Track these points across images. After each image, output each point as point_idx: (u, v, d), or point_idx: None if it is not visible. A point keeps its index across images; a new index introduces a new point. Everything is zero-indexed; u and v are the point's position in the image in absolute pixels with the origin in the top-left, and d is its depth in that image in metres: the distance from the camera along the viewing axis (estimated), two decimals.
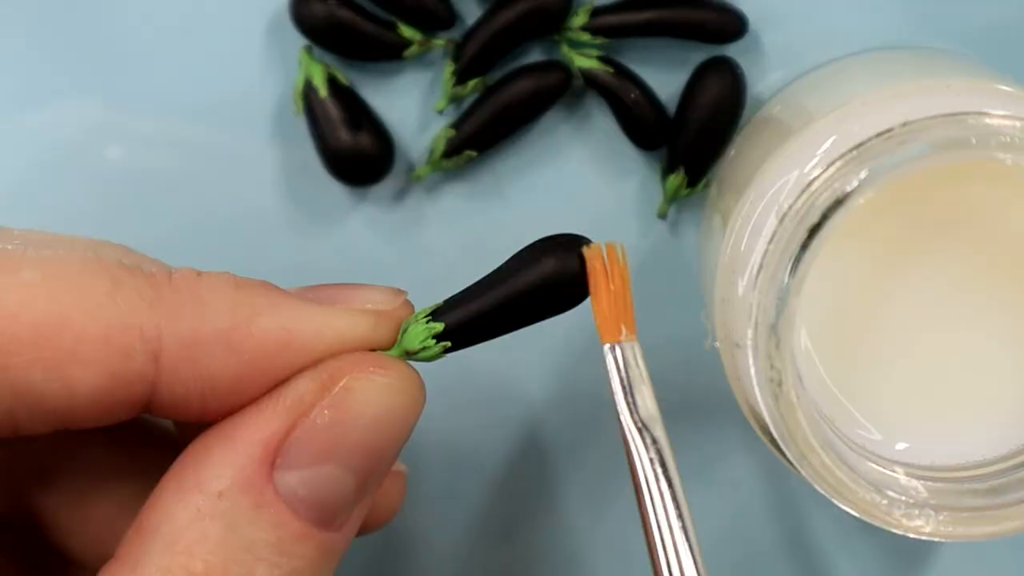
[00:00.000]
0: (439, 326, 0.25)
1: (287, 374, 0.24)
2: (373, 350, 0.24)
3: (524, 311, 0.25)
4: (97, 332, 0.22)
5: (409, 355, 0.25)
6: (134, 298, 0.23)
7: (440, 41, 0.33)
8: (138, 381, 0.23)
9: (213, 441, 0.23)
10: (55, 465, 0.27)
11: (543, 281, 0.25)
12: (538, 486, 0.36)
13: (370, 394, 0.24)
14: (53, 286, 0.22)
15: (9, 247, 0.23)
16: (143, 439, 0.28)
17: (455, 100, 0.34)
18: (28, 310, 0.22)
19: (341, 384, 0.23)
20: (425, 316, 0.25)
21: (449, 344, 0.25)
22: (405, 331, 0.25)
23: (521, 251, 0.25)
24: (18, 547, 0.27)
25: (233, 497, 0.23)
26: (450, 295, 0.25)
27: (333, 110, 0.33)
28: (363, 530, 0.25)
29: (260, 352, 0.23)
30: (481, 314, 0.25)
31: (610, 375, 0.25)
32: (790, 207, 0.26)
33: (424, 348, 0.25)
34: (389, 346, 0.25)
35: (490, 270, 0.25)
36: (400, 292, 0.25)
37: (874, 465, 0.28)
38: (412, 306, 0.25)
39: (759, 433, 0.28)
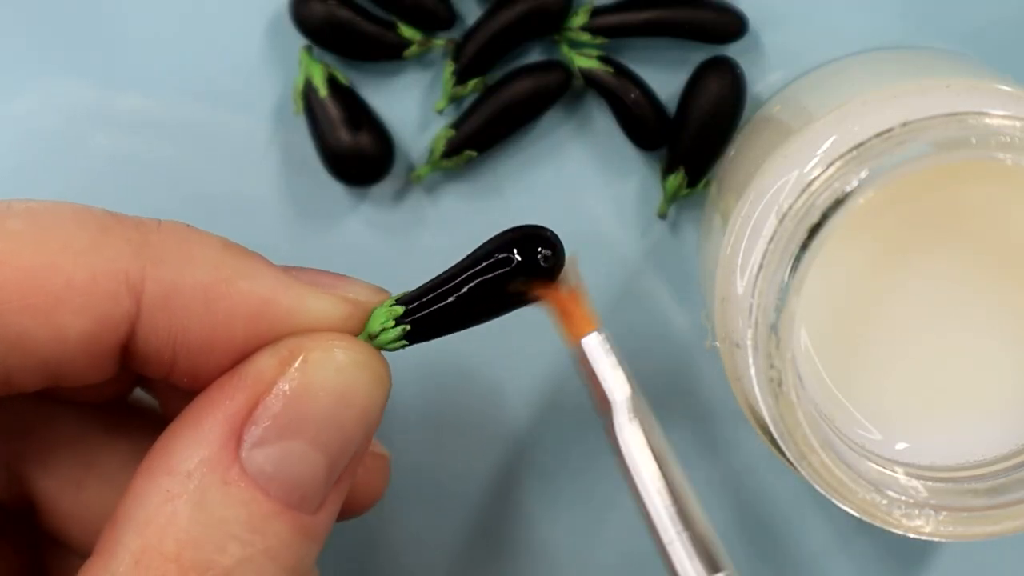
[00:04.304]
0: (399, 309, 0.25)
1: (257, 343, 0.24)
2: None
3: (484, 304, 0.25)
4: (85, 277, 0.23)
5: (372, 338, 0.25)
6: (120, 243, 0.23)
7: (440, 41, 0.33)
8: (123, 323, 0.23)
9: (178, 426, 0.24)
10: (53, 451, 0.27)
11: (502, 275, 0.25)
12: (529, 490, 0.35)
13: (330, 368, 0.24)
14: (40, 233, 0.23)
15: None
16: (138, 428, 0.28)
17: (455, 100, 0.34)
18: (16, 257, 0.22)
19: (300, 358, 0.23)
20: (390, 303, 0.25)
21: (408, 328, 0.25)
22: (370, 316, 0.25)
23: (487, 241, 0.25)
24: (16, 535, 0.28)
25: (201, 476, 0.23)
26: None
27: (333, 110, 0.33)
28: (346, 514, 0.25)
29: (234, 314, 0.24)
30: (441, 302, 0.25)
31: (600, 363, 0.24)
32: (790, 207, 0.26)
33: (384, 330, 0.25)
34: (357, 334, 0.25)
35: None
36: (383, 291, 0.25)
37: (874, 465, 0.28)
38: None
39: (759, 433, 0.28)
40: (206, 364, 0.24)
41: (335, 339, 0.24)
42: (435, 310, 0.25)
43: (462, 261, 0.25)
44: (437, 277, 0.25)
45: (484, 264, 0.25)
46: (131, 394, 0.28)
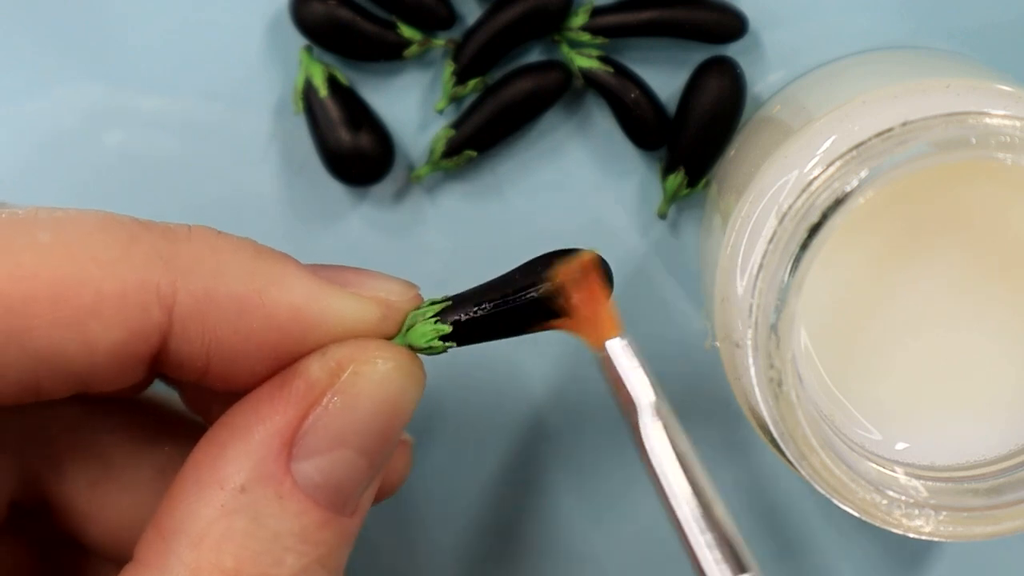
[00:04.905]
0: (446, 328, 0.25)
1: (291, 347, 0.24)
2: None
3: (529, 321, 0.25)
4: (115, 289, 0.22)
5: (412, 348, 0.25)
6: (151, 253, 0.23)
7: (440, 41, 0.33)
8: (155, 334, 0.23)
9: (226, 436, 0.24)
10: (70, 452, 0.27)
11: (551, 294, 0.25)
12: (540, 483, 0.35)
13: (377, 378, 0.24)
14: (69, 245, 0.22)
15: (20, 212, 0.23)
16: (155, 425, 0.28)
17: (455, 100, 0.34)
18: (46, 270, 0.22)
19: (349, 370, 0.24)
20: (432, 315, 0.25)
21: (454, 344, 0.25)
22: (411, 327, 0.25)
23: (532, 261, 0.25)
24: (34, 536, 0.28)
25: (255, 490, 0.23)
26: (456, 292, 0.25)
27: (333, 110, 0.33)
28: (372, 501, 0.26)
29: (267, 324, 0.24)
30: (487, 322, 0.25)
31: (624, 367, 0.24)
32: (790, 207, 0.26)
33: (430, 348, 0.25)
34: (393, 335, 0.25)
35: (491, 270, 0.25)
36: (412, 286, 0.26)
37: (874, 465, 0.28)
38: (422, 300, 0.26)
39: (759, 433, 0.28)
40: (240, 370, 0.24)
41: (381, 349, 0.24)
42: (481, 329, 0.25)
43: (507, 279, 0.25)
44: (481, 290, 0.25)
45: (531, 286, 0.25)
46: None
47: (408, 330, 0.25)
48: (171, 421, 0.28)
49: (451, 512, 0.36)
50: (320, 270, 0.25)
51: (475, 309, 0.25)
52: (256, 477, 0.23)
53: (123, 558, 0.27)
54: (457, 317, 0.25)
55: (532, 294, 0.25)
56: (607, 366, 0.25)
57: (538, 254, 0.25)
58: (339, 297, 0.24)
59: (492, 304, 0.25)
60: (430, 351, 0.25)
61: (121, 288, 0.22)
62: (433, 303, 0.25)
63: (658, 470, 0.24)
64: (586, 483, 0.35)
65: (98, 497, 0.27)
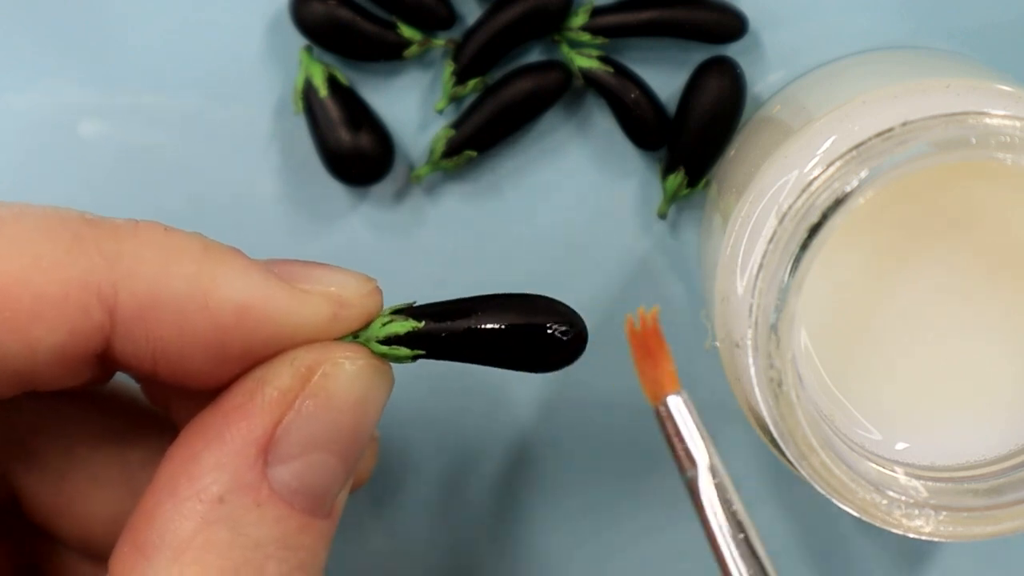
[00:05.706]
0: (420, 351, 0.25)
1: (239, 347, 0.24)
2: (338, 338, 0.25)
3: (502, 360, 0.25)
4: (56, 291, 0.22)
5: (387, 355, 0.25)
6: (93, 254, 0.23)
7: (440, 41, 0.33)
8: (97, 336, 0.23)
9: (199, 445, 0.23)
10: (36, 446, 0.27)
11: (537, 343, 0.24)
12: (533, 489, 0.35)
13: (346, 380, 0.24)
14: (10, 246, 0.22)
15: None
16: (123, 418, 0.28)
17: (455, 100, 0.34)
18: None
19: (319, 374, 0.24)
20: (403, 329, 0.25)
21: (411, 361, 0.25)
22: (383, 344, 0.25)
23: (521, 299, 0.25)
24: (7, 530, 0.27)
25: (233, 500, 0.23)
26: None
27: (333, 110, 0.33)
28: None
29: (212, 324, 0.23)
30: (458, 356, 0.25)
31: (685, 422, 0.25)
32: (790, 207, 0.26)
33: (405, 357, 0.25)
34: (349, 331, 0.25)
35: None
36: (369, 280, 0.25)
37: (874, 465, 0.28)
38: (381, 295, 0.25)
39: (759, 433, 0.28)
40: (188, 367, 0.24)
41: (346, 350, 0.24)
42: (450, 357, 0.25)
43: (489, 306, 0.25)
44: (455, 320, 0.25)
45: (504, 333, 0.24)
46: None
47: (375, 343, 0.25)
48: (138, 414, 0.28)
49: (432, 520, 0.36)
50: (273, 265, 0.24)
51: (449, 337, 0.25)
52: (234, 487, 0.23)
53: (94, 552, 0.27)
54: (431, 336, 0.25)
55: (515, 345, 0.24)
56: (665, 422, 0.25)
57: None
58: (287, 295, 0.24)
59: (464, 341, 0.24)
60: (400, 362, 0.25)
61: (62, 290, 0.22)
62: (397, 311, 0.25)
63: (714, 528, 0.24)
64: (583, 491, 0.35)
65: (66, 491, 0.27)
